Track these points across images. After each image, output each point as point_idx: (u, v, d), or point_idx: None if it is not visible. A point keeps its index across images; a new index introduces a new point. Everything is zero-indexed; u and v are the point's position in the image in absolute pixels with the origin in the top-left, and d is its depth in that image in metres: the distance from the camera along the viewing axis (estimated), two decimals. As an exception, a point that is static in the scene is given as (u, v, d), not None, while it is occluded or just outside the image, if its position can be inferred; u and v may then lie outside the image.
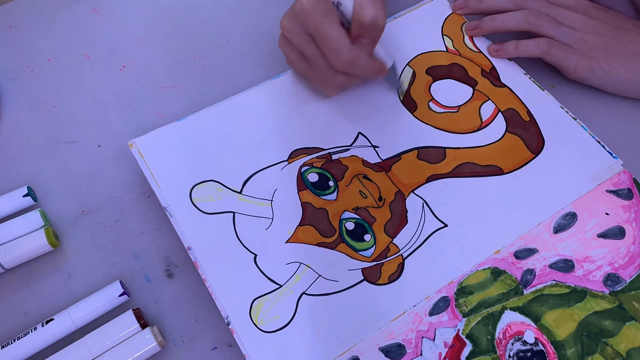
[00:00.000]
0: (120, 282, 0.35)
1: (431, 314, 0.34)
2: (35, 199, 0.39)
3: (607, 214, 0.38)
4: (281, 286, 0.35)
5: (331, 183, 0.39)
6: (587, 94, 0.44)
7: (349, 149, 0.40)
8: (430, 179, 0.39)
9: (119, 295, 0.35)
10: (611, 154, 0.39)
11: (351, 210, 0.38)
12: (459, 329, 0.34)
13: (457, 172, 0.39)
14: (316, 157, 0.40)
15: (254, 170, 0.39)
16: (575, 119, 0.41)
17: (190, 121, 0.40)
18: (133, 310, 0.34)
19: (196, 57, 0.46)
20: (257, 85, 0.42)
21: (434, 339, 0.34)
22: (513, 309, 0.35)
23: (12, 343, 0.33)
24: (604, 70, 0.41)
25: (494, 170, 0.39)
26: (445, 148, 0.40)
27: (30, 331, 0.33)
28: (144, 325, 0.34)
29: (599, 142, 0.40)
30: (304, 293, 0.35)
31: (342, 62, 0.36)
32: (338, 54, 0.35)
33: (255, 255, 0.36)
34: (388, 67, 0.40)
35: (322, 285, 0.35)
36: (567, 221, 0.37)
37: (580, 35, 0.41)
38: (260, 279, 0.35)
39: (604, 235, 0.37)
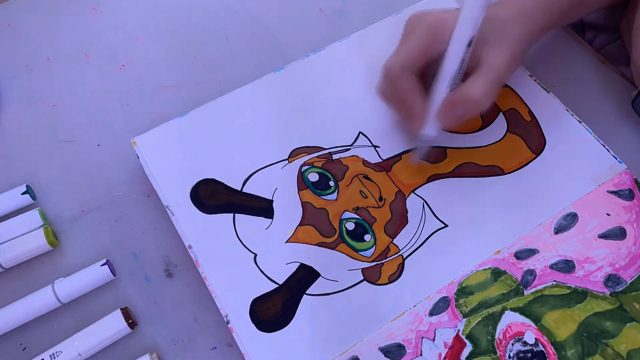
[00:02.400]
0: (107, 260, 0.36)
1: (431, 314, 0.34)
2: (34, 197, 0.38)
3: (608, 214, 0.37)
4: (281, 286, 0.35)
5: (332, 183, 0.38)
6: (587, 94, 0.44)
7: (349, 149, 0.40)
8: (431, 178, 0.39)
9: (101, 265, 0.35)
10: (616, 158, 0.39)
11: (351, 211, 0.37)
12: (459, 330, 0.34)
13: (458, 172, 0.39)
14: (316, 157, 0.39)
15: (254, 169, 0.39)
16: (580, 122, 0.41)
17: (192, 117, 0.40)
18: (121, 309, 0.34)
19: (196, 56, 0.46)
20: (259, 78, 0.42)
21: (434, 339, 0.34)
22: (513, 310, 0.34)
23: None
24: None
25: (495, 171, 0.39)
26: (446, 148, 0.40)
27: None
28: (132, 325, 0.34)
29: (603, 146, 0.40)
30: (304, 293, 0.35)
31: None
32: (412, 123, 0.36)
33: (255, 254, 0.36)
34: (425, 129, 0.37)
35: (322, 285, 0.35)
36: (568, 222, 0.37)
37: None
38: (260, 279, 0.35)
39: (604, 235, 0.37)
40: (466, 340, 0.34)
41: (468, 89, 0.33)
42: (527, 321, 0.34)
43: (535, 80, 0.43)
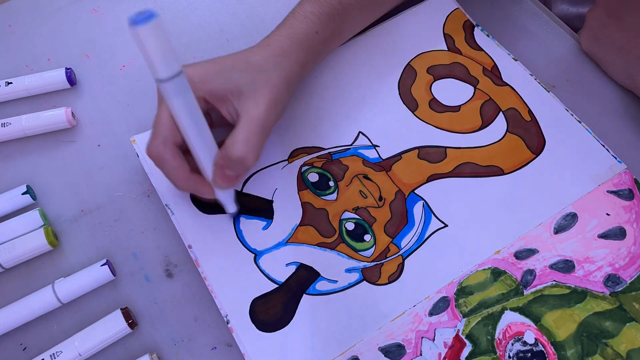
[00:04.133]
0: (107, 260, 0.36)
1: (431, 314, 0.34)
2: (34, 197, 0.38)
3: (607, 214, 0.37)
4: (281, 286, 0.35)
5: (331, 183, 0.38)
6: (587, 94, 0.44)
7: (349, 149, 0.40)
8: (431, 178, 0.39)
9: (101, 265, 0.35)
10: (615, 158, 0.39)
11: (351, 211, 0.37)
12: (458, 329, 0.34)
13: (458, 172, 0.39)
14: (316, 157, 0.39)
15: (254, 169, 0.39)
16: (580, 122, 0.41)
17: None
18: (121, 309, 0.34)
19: (196, 57, 0.46)
20: None
21: (433, 339, 0.34)
22: (513, 310, 0.34)
23: None
24: None
25: (495, 171, 0.39)
26: (446, 148, 0.40)
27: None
28: (132, 325, 0.34)
29: (603, 146, 0.40)
30: (304, 293, 0.35)
31: (149, 151, 0.33)
32: (150, 141, 0.32)
33: (256, 254, 0.36)
34: (229, 212, 0.36)
35: (322, 285, 0.35)
36: (567, 221, 0.37)
37: None
38: (260, 279, 0.35)
39: (604, 235, 0.37)
40: (466, 340, 0.34)
41: (229, 149, 0.31)
42: (527, 321, 0.34)
43: (539, 82, 0.43)
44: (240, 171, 0.32)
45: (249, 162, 0.31)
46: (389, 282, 0.35)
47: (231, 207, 0.36)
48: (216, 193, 0.34)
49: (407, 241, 0.37)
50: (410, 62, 0.44)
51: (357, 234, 0.37)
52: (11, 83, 0.38)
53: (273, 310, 0.34)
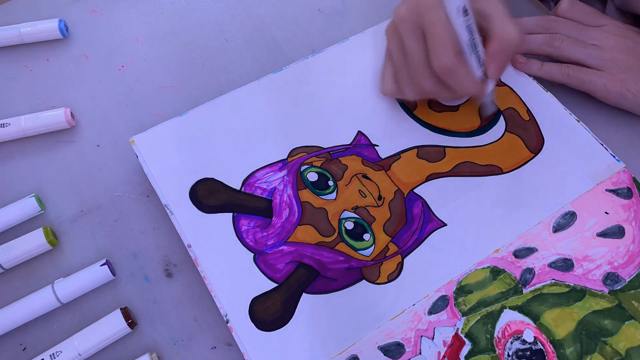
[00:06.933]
0: (107, 260, 0.36)
1: (430, 313, 0.34)
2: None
3: (606, 213, 0.38)
4: (280, 285, 0.35)
5: (330, 182, 0.39)
6: (585, 93, 0.44)
7: (348, 148, 0.40)
8: (430, 177, 0.39)
9: (101, 265, 0.36)
10: (614, 157, 0.39)
11: (350, 210, 0.38)
12: (458, 328, 0.34)
13: (457, 171, 0.39)
14: (316, 156, 0.40)
15: (253, 168, 0.39)
16: (578, 121, 0.41)
17: (191, 116, 0.40)
18: (121, 309, 0.34)
19: (195, 57, 0.46)
20: (259, 78, 0.42)
21: (433, 338, 0.34)
22: (512, 308, 0.35)
23: None
24: (634, 94, 0.40)
25: (494, 170, 0.39)
26: (445, 147, 0.40)
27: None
28: (132, 325, 0.34)
29: (602, 145, 0.40)
30: (303, 292, 0.35)
31: (441, 65, 0.35)
32: (440, 55, 0.34)
33: (255, 254, 0.36)
34: (487, 92, 0.39)
35: (321, 284, 0.35)
36: (566, 220, 0.37)
37: (610, 57, 0.40)
38: (260, 278, 0.35)
39: (603, 234, 0.37)
40: (465, 339, 0.34)
41: (501, 34, 0.35)
42: (526, 319, 0.34)
43: (534, 80, 0.43)
44: (512, 53, 0.37)
45: (520, 40, 0.35)
46: (388, 281, 0.35)
47: (493, 106, 0.41)
48: (486, 92, 0.39)
49: (406, 240, 0.37)
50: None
51: (357, 233, 0.37)
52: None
53: (272, 310, 0.34)
